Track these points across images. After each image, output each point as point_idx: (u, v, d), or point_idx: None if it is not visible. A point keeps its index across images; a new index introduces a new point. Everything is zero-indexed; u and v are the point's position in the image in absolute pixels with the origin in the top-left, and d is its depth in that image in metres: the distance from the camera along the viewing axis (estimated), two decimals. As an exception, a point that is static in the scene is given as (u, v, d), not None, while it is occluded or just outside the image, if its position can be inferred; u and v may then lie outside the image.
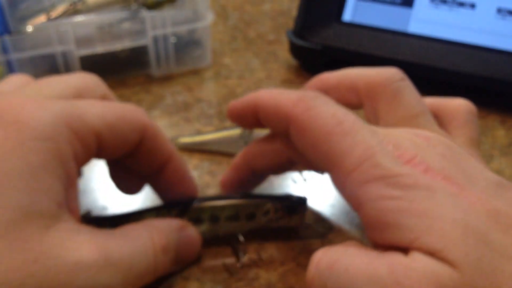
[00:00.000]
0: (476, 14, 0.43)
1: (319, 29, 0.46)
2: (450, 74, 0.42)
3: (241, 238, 0.28)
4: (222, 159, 0.36)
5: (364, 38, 0.45)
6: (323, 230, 0.30)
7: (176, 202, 0.28)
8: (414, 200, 0.19)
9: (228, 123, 0.40)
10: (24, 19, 0.43)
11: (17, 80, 0.26)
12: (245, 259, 0.27)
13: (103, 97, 0.26)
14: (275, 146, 0.27)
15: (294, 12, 0.55)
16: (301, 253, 0.28)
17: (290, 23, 0.50)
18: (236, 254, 0.28)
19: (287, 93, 0.24)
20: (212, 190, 0.33)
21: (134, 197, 0.29)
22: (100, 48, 0.43)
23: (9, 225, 0.19)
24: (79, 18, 0.43)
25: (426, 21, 0.44)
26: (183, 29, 0.47)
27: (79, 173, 0.23)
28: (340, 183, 0.21)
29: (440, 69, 0.42)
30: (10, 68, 0.41)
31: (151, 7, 0.46)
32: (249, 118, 0.26)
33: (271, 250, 0.28)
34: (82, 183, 0.33)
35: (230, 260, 0.28)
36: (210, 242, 0.28)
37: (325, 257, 0.21)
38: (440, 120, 0.27)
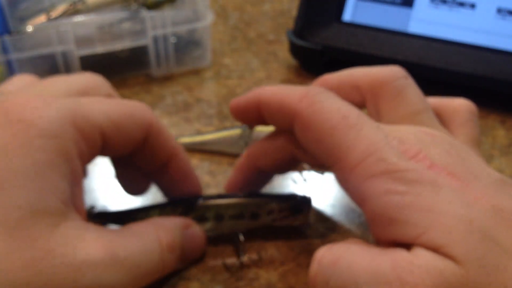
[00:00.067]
0: (476, 14, 0.43)
1: (319, 29, 0.46)
2: (450, 74, 0.42)
3: (241, 237, 0.28)
4: (222, 159, 0.36)
5: (364, 38, 0.45)
6: (323, 230, 0.30)
7: (181, 200, 0.28)
8: (420, 195, 0.19)
9: (228, 123, 0.40)
10: (24, 19, 0.43)
11: (22, 80, 0.26)
12: (245, 258, 0.27)
13: (108, 97, 0.26)
14: (278, 144, 0.27)
15: (294, 12, 0.55)
16: (301, 253, 0.28)
17: (290, 23, 0.50)
18: (236, 253, 0.28)
19: (291, 88, 0.24)
20: (212, 190, 0.33)
21: (134, 197, 0.29)
22: (100, 48, 0.43)
23: (15, 223, 0.19)
24: (79, 18, 0.43)
25: (426, 21, 0.44)
26: (183, 29, 0.47)
27: (84, 172, 0.23)
28: (344, 178, 0.21)
29: (440, 69, 0.42)
30: (10, 68, 0.41)
31: (151, 7, 0.46)
32: (252, 115, 0.26)
33: (271, 250, 0.28)
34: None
35: (230, 260, 0.28)
36: (212, 241, 0.28)
37: (327, 254, 0.21)
38: (441, 119, 0.27)
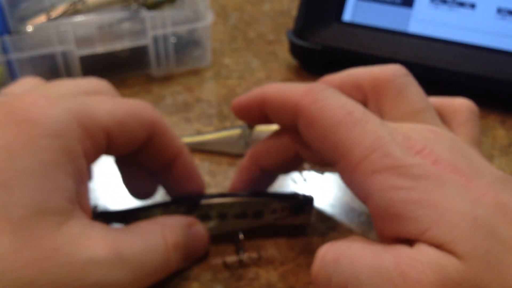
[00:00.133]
0: (476, 14, 0.43)
1: (319, 29, 0.46)
2: (450, 74, 0.42)
3: (241, 236, 0.28)
4: (222, 159, 0.36)
5: (364, 38, 0.45)
6: (323, 230, 0.30)
7: (184, 199, 0.28)
8: (425, 191, 0.19)
9: (228, 123, 0.40)
10: (24, 19, 0.43)
11: (28, 82, 0.26)
12: (244, 257, 0.27)
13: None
14: (281, 142, 0.27)
15: (294, 12, 0.55)
16: (301, 253, 0.28)
17: (290, 23, 0.50)
18: (236, 252, 0.28)
19: (294, 86, 0.24)
20: (212, 190, 0.33)
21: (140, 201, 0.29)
22: (100, 48, 0.43)
23: (21, 222, 0.19)
24: (79, 18, 0.43)
25: (426, 21, 0.44)
26: (183, 29, 0.47)
27: (90, 174, 0.24)
28: (348, 174, 0.21)
29: (440, 69, 0.42)
30: (10, 68, 0.41)
31: (151, 7, 0.46)
32: (255, 113, 0.26)
33: (271, 250, 0.28)
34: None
35: (230, 259, 0.28)
36: (212, 240, 0.28)
37: (330, 251, 0.21)
38: (441, 118, 0.27)
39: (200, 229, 0.27)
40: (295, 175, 0.34)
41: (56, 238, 0.20)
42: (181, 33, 0.50)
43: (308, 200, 0.28)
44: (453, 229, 0.18)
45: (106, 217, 0.27)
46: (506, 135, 0.40)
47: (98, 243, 0.21)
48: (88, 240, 0.21)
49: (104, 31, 0.43)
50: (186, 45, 0.50)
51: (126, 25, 0.44)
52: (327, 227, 0.30)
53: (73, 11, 0.44)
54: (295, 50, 0.48)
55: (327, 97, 0.22)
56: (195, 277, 0.27)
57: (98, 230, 0.21)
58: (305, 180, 0.34)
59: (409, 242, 0.19)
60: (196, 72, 0.48)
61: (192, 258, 0.27)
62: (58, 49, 0.41)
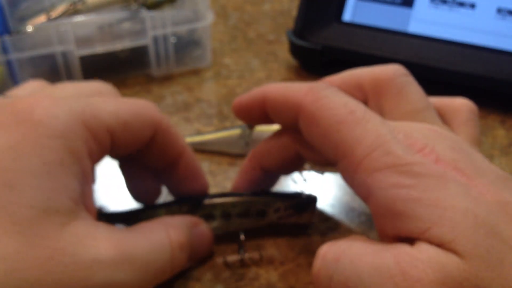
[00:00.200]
0: (476, 14, 0.43)
1: (319, 29, 0.46)
2: (450, 74, 0.42)
3: (242, 236, 0.28)
4: (222, 159, 0.36)
5: (364, 38, 0.45)
6: (323, 230, 0.30)
7: (187, 198, 0.28)
8: (426, 189, 0.19)
9: (228, 123, 0.40)
10: (24, 19, 0.43)
11: (32, 85, 0.26)
12: (245, 256, 0.27)
13: None
14: (282, 142, 0.27)
15: (294, 12, 0.55)
16: (301, 253, 0.28)
17: (290, 23, 0.50)
18: (237, 252, 0.28)
19: (296, 85, 0.24)
20: (213, 190, 0.33)
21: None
22: (100, 48, 0.43)
23: (26, 222, 0.19)
24: (79, 18, 0.43)
25: (426, 21, 0.44)
26: (183, 29, 0.47)
27: (93, 174, 0.24)
28: (349, 173, 0.21)
29: (440, 69, 0.42)
30: (10, 68, 0.41)
31: (151, 7, 0.46)
32: (256, 113, 0.26)
33: (271, 250, 0.28)
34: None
35: (230, 259, 0.28)
36: (216, 240, 0.28)
37: (331, 250, 0.21)
38: (442, 118, 0.27)
39: (205, 228, 0.27)
40: (295, 175, 0.34)
41: (61, 238, 0.20)
42: (181, 33, 0.50)
43: (312, 199, 0.29)
44: (454, 227, 0.18)
45: (110, 218, 0.27)
46: (506, 135, 0.40)
47: (103, 243, 0.21)
48: (93, 240, 0.20)
49: (104, 31, 0.43)
50: (186, 45, 0.50)
51: (126, 25, 0.44)
52: (328, 227, 0.30)
53: (73, 11, 0.44)
54: (295, 50, 0.48)
55: (328, 96, 0.22)
56: (196, 277, 0.27)
57: (103, 230, 0.21)
58: (305, 180, 0.34)
59: (410, 240, 0.19)
60: (196, 72, 0.48)
61: (196, 258, 0.27)
62: (58, 49, 0.41)
